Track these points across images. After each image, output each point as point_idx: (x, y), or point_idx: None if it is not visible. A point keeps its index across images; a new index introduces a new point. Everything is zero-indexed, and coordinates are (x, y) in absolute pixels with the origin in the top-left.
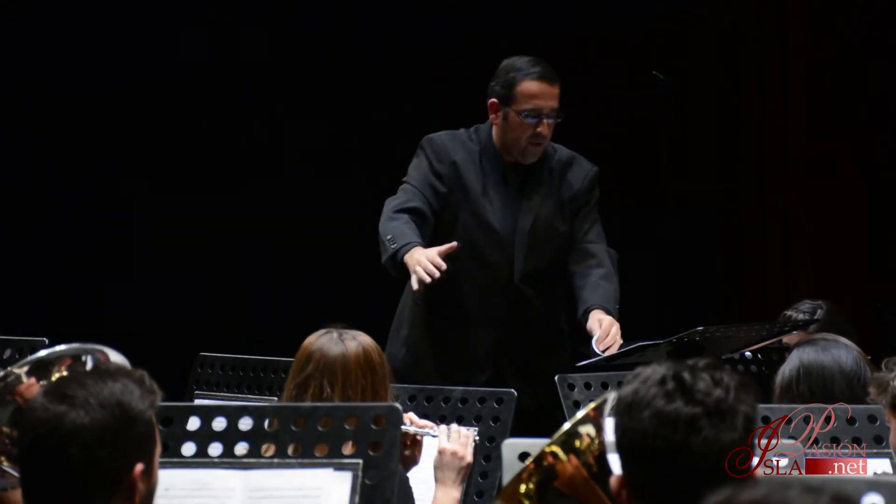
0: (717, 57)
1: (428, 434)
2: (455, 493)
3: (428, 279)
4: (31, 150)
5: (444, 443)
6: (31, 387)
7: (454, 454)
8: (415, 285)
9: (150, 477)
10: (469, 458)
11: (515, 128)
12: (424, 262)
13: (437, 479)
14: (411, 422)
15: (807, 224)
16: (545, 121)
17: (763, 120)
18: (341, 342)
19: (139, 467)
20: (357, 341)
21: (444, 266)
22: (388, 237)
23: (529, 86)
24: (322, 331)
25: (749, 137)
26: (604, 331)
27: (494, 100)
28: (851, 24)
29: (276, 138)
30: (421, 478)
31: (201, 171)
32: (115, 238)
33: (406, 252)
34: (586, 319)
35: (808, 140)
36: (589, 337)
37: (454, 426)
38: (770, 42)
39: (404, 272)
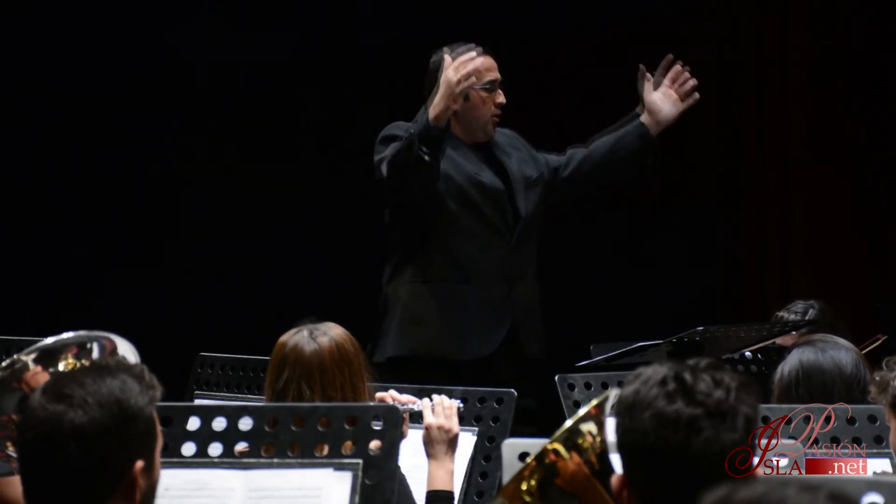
0: (717, 57)
1: (411, 409)
2: (449, 464)
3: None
4: (31, 150)
5: (430, 418)
6: (38, 374)
7: (440, 428)
8: (456, 88)
9: (151, 473)
10: (456, 428)
11: (479, 104)
12: (452, 73)
13: (428, 455)
14: (393, 399)
15: (806, 224)
16: (499, 90)
17: (763, 120)
18: (313, 340)
19: (139, 464)
20: (329, 336)
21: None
22: (403, 133)
23: (482, 62)
24: (293, 330)
25: (749, 137)
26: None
27: None
28: (851, 24)
29: (276, 139)
30: (418, 477)
31: (202, 172)
32: (114, 239)
33: (428, 115)
34: (646, 126)
35: (808, 140)
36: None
37: (437, 397)
38: (770, 42)
39: (441, 134)
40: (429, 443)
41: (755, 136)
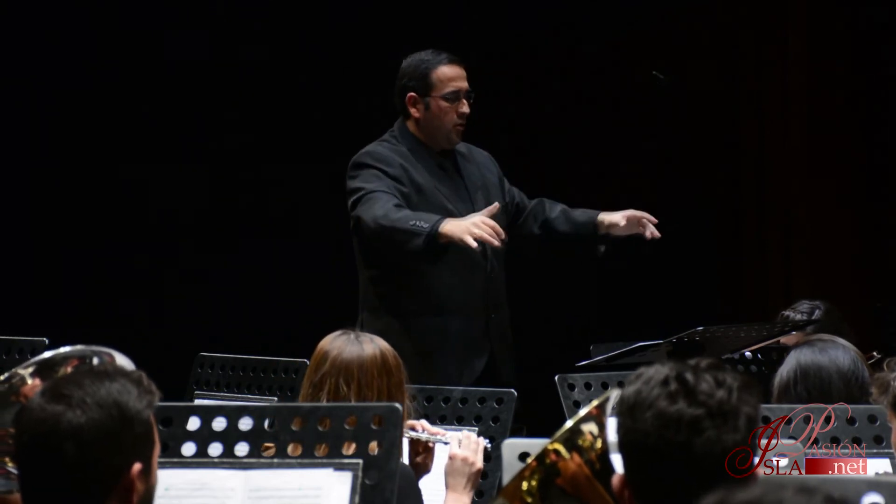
0: (716, 58)
1: (440, 441)
2: (465, 499)
3: (497, 242)
4: (31, 150)
5: (455, 449)
6: (36, 388)
7: (465, 460)
8: (474, 244)
9: (148, 477)
10: (479, 464)
11: (441, 113)
12: (482, 225)
13: (447, 485)
14: (423, 428)
15: (806, 224)
16: (464, 100)
17: (763, 120)
18: (358, 343)
19: (137, 467)
20: (375, 344)
21: (501, 232)
22: (412, 223)
23: (445, 71)
24: (339, 332)
25: (749, 137)
26: (640, 216)
27: (412, 94)
28: (851, 25)
29: (276, 139)
30: (430, 480)
31: (202, 172)
32: (115, 238)
33: (440, 225)
34: (599, 227)
35: (808, 140)
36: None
37: (465, 433)
38: (770, 42)
39: (441, 250)
40: (450, 473)
41: (755, 137)
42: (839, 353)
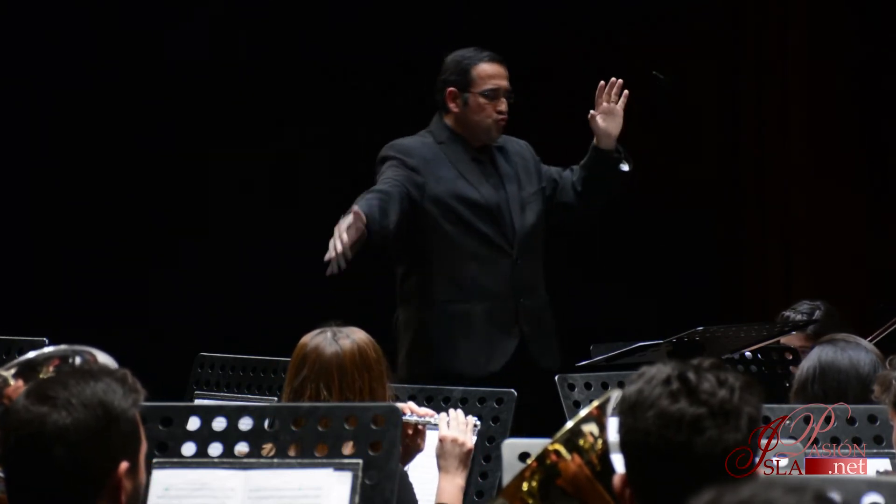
0: (716, 58)
1: (428, 423)
2: (459, 480)
3: (332, 253)
4: (31, 150)
5: (445, 431)
6: (19, 389)
7: (454, 441)
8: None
9: (135, 475)
10: (470, 443)
11: (478, 109)
12: (335, 235)
13: (439, 468)
14: (412, 411)
15: (806, 224)
16: (503, 99)
17: (763, 120)
18: (335, 342)
19: (124, 466)
20: (351, 339)
21: (342, 248)
22: (397, 151)
23: (485, 68)
24: (316, 331)
25: (749, 137)
26: (602, 101)
27: (452, 88)
28: (852, 24)
29: (276, 138)
30: (422, 477)
31: (202, 171)
32: (115, 238)
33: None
34: (597, 147)
35: (808, 140)
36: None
37: (453, 412)
38: (770, 42)
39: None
40: (441, 455)
41: (755, 136)
42: (861, 354)
